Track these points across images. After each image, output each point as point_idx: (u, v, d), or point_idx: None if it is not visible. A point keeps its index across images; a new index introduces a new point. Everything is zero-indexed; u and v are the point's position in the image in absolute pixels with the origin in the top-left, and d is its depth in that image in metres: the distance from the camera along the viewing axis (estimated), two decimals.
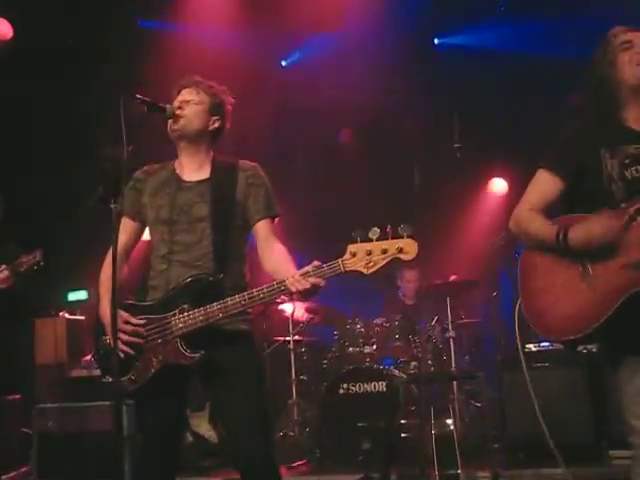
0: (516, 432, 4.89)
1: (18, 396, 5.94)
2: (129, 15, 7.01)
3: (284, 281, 2.75)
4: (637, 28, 2.77)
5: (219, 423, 5.47)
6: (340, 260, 2.69)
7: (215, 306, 2.80)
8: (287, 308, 6.36)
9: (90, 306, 7.32)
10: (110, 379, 2.91)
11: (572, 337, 2.60)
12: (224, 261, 2.97)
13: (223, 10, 6.86)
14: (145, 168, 3.22)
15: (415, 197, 7.88)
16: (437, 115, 7.54)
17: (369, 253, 2.66)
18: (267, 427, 2.99)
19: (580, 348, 4.89)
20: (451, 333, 5.92)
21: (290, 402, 6.31)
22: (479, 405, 5.69)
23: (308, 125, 7.45)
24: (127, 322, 2.91)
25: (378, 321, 6.17)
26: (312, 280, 2.70)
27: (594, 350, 4.72)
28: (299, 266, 2.83)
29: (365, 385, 5.64)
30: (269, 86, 7.41)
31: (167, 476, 3.05)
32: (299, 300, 2.80)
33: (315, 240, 6.80)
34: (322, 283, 2.71)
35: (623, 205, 2.61)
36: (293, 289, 2.72)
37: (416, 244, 2.65)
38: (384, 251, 2.66)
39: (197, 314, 2.82)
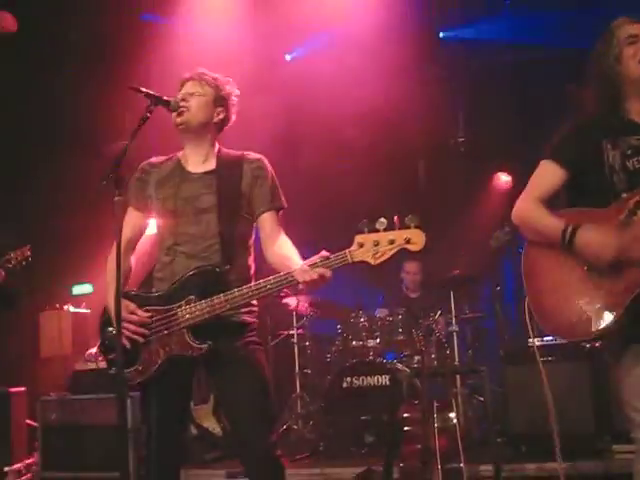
0: (519, 426, 4.89)
1: (23, 388, 5.95)
2: (132, 9, 7.00)
3: (291, 272, 2.76)
4: None
5: (223, 415, 5.49)
6: (347, 251, 2.70)
7: (222, 297, 2.82)
8: (291, 302, 6.37)
9: (95, 299, 7.36)
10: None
11: (583, 339, 2.61)
12: (230, 253, 2.98)
13: (227, 4, 6.85)
14: (151, 160, 3.23)
15: (419, 190, 7.90)
16: (442, 109, 7.54)
17: (376, 244, 2.67)
18: (270, 419, 2.99)
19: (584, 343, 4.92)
20: (454, 327, 5.93)
21: (294, 395, 6.34)
22: (482, 399, 5.70)
23: (313, 119, 7.45)
24: (133, 313, 2.93)
25: (381, 315, 6.18)
26: (320, 270, 2.71)
27: (597, 345, 4.73)
28: (305, 258, 2.84)
29: (368, 379, 5.66)
30: (273, 80, 7.40)
31: (172, 468, 3.06)
32: (306, 290, 2.81)
33: (321, 232, 6.81)
34: (329, 274, 2.72)
35: (624, 195, 2.61)
36: (300, 280, 2.73)
37: (424, 235, 2.66)
38: (391, 242, 2.67)
39: (204, 305, 2.83)
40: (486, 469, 4.66)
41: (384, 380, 5.61)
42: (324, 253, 2.74)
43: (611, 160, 2.67)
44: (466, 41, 7.54)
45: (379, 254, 2.67)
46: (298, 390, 6.35)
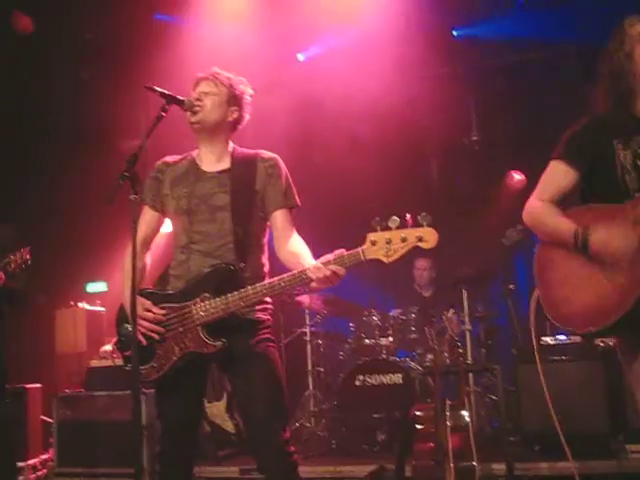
0: (532, 425, 4.88)
1: (38, 385, 6.01)
2: (146, 8, 7.03)
3: (305, 270, 2.78)
4: None
5: (237, 411, 5.53)
6: (360, 249, 2.72)
7: (236, 295, 2.84)
8: (304, 300, 6.38)
9: (109, 297, 7.41)
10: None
11: (592, 330, 2.60)
12: (244, 251, 3.00)
13: (240, 4, 6.86)
14: (166, 159, 3.26)
15: (432, 189, 7.90)
16: (455, 107, 7.52)
17: (389, 242, 2.68)
18: (284, 415, 3.02)
19: (597, 341, 4.90)
20: (467, 326, 5.92)
21: (306, 393, 6.35)
22: (495, 398, 5.69)
23: (326, 117, 7.45)
24: (148, 310, 2.96)
25: (394, 313, 6.19)
26: (333, 268, 2.72)
27: (611, 343, 4.72)
28: (319, 256, 2.85)
29: (381, 377, 5.67)
30: (286, 80, 7.42)
31: (185, 465, 3.10)
32: (319, 288, 2.82)
33: (334, 230, 6.82)
34: (342, 271, 2.74)
35: (637, 195, 2.61)
36: (314, 277, 2.75)
37: (436, 233, 2.67)
38: (404, 240, 2.68)
39: (218, 303, 2.86)
40: (499, 468, 4.66)
41: (397, 378, 5.62)
42: (338, 251, 2.75)
43: (622, 159, 2.66)
44: (480, 39, 7.51)
45: (392, 252, 2.68)
46: (311, 388, 6.35)
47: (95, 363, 6.20)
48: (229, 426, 5.83)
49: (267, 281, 2.87)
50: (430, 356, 5.80)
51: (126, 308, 3.00)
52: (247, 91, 3.22)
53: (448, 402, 4.46)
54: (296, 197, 3.18)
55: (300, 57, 7.82)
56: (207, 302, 2.88)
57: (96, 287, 7.82)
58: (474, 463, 4.17)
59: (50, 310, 7.29)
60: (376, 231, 2.70)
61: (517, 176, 7.69)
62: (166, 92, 2.94)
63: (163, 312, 2.96)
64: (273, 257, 3.15)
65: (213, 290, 2.88)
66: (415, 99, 7.23)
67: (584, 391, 4.80)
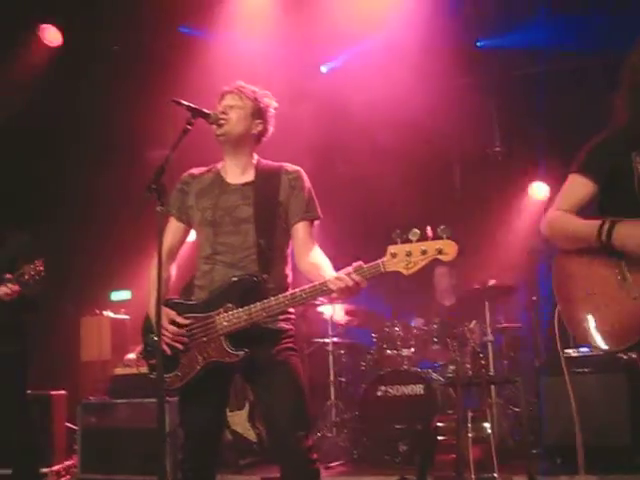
0: (554, 438, 4.86)
1: (63, 392, 6.08)
2: (170, 22, 7.12)
3: (326, 281, 2.81)
4: None
5: (259, 420, 5.56)
6: (381, 261, 2.74)
7: (258, 305, 2.88)
8: (326, 310, 6.40)
9: (133, 305, 7.49)
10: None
11: (617, 348, 2.60)
12: (267, 262, 3.04)
13: (262, 18, 6.91)
14: (192, 171, 3.31)
15: (455, 199, 7.89)
16: (479, 117, 7.53)
17: (409, 254, 2.70)
18: (306, 423, 3.03)
19: (620, 354, 4.87)
20: (489, 337, 5.91)
21: (328, 403, 6.36)
22: (517, 410, 5.67)
23: (349, 129, 7.49)
24: (173, 321, 3.00)
25: (416, 324, 6.19)
26: (354, 278, 2.75)
27: (634, 356, 4.68)
28: (338, 267, 2.88)
29: (403, 388, 5.67)
30: (309, 92, 7.47)
31: (207, 472, 3.13)
32: (340, 299, 2.85)
33: (356, 240, 6.85)
34: (363, 283, 2.76)
35: None
36: (335, 288, 2.77)
37: (456, 245, 2.68)
38: (424, 252, 2.70)
39: (241, 313, 2.90)
40: None
41: (418, 389, 5.61)
42: (357, 263, 2.78)
43: None
44: (503, 49, 7.51)
45: (411, 264, 2.71)
46: (333, 398, 6.36)
47: (119, 371, 6.25)
48: (251, 435, 5.86)
49: (289, 292, 2.90)
50: (452, 367, 5.79)
51: (151, 318, 3.04)
52: (271, 104, 3.27)
53: (470, 413, 4.47)
54: (318, 209, 3.21)
55: (323, 69, 7.86)
56: (230, 312, 2.91)
57: (120, 295, 7.90)
58: (495, 475, 4.18)
59: (75, 318, 7.39)
60: (396, 243, 2.72)
61: (540, 186, 7.66)
62: (192, 105, 2.98)
63: (187, 322, 2.99)
64: (293, 269, 3.19)
65: (236, 301, 2.92)
66: (438, 109, 7.24)
67: (607, 404, 4.76)
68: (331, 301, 6.25)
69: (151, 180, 2.74)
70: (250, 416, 5.87)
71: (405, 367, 5.86)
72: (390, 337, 6.16)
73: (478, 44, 7.66)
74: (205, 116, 3.04)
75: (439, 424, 4.66)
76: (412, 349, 6.05)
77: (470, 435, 4.32)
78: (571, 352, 5.14)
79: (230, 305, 2.92)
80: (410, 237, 2.71)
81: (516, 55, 7.40)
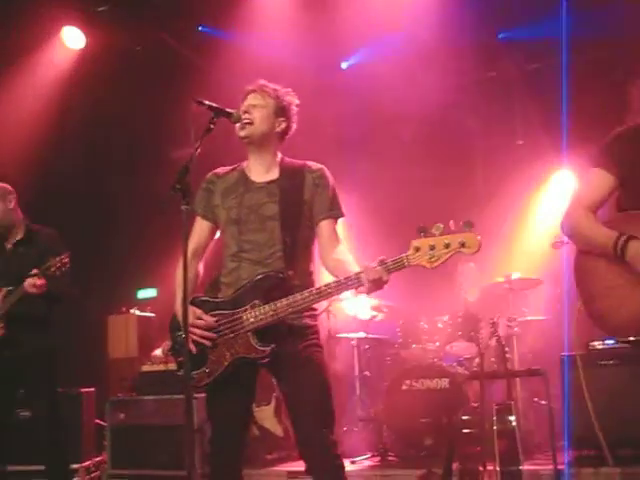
0: (580, 430, 4.84)
1: (92, 389, 6.16)
2: (191, 21, 7.17)
3: (350, 276, 2.84)
4: None
5: (286, 415, 5.60)
6: (404, 255, 2.76)
7: (284, 301, 2.91)
8: (352, 305, 6.42)
9: (159, 303, 7.57)
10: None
11: None
12: (293, 259, 3.07)
13: (282, 16, 6.92)
14: (217, 170, 3.35)
15: (479, 193, 7.87)
16: (501, 111, 7.50)
17: (432, 248, 2.72)
18: (331, 418, 3.06)
19: None
20: (515, 330, 5.90)
21: (354, 398, 6.38)
22: (543, 403, 5.66)
23: (370, 125, 7.50)
24: (200, 318, 3.04)
25: (441, 318, 6.19)
26: (380, 270, 2.77)
27: None
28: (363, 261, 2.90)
29: (428, 381, 5.68)
30: (330, 88, 7.47)
31: (234, 467, 3.16)
32: (365, 293, 2.86)
33: (378, 239, 6.85)
34: (386, 277, 2.78)
35: None
36: (370, 278, 2.78)
37: (479, 238, 2.69)
38: (447, 245, 2.72)
39: (267, 309, 2.93)
40: (546, 472, 4.64)
41: (444, 383, 5.63)
42: (381, 258, 2.80)
43: None
44: (524, 41, 7.46)
45: (435, 258, 2.72)
46: (358, 393, 6.39)
47: (146, 368, 6.31)
48: (278, 430, 5.91)
49: (314, 288, 2.93)
50: (477, 361, 5.79)
51: (178, 316, 3.08)
52: (294, 102, 3.30)
53: (495, 406, 4.47)
54: (342, 207, 3.24)
55: (343, 65, 7.86)
56: (257, 309, 2.95)
57: (146, 293, 7.99)
58: (520, 467, 4.18)
59: (103, 316, 7.48)
60: (420, 237, 2.74)
61: (565, 179, 7.62)
62: (214, 105, 3.01)
63: (214, 320, 3.04)
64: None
65: (263, 297, 2.95)
66: (460, 104, 7.24)
67: (633, 395, 4.74)
68: (357, 291, 6.27)
69: (175, 179, 2.78)
70: (277, 411, 5.92)
71: (430, 361, 5.88)
72: (415, 331, 6.17)
73: (499, 36, 7.61)
74: (227, 115, 3.06)
75: (464, 417, 4.66)
76: (437, 343, 6.06)
77: (495, 428, 4.31)
78: (597, 344, 5.12)
79: (256, 302, 2.96)
80: (433, 231, 2.73)
81: (537, 46, 7.36)
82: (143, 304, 7.69)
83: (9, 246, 4.71)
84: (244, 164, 3.31)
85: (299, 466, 4.55)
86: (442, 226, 2.73)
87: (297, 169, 3.24)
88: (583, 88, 6.97)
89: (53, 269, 4.26)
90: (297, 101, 3.32)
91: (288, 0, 6.88)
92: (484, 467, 4.40)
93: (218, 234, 3.35)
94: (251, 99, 3.22)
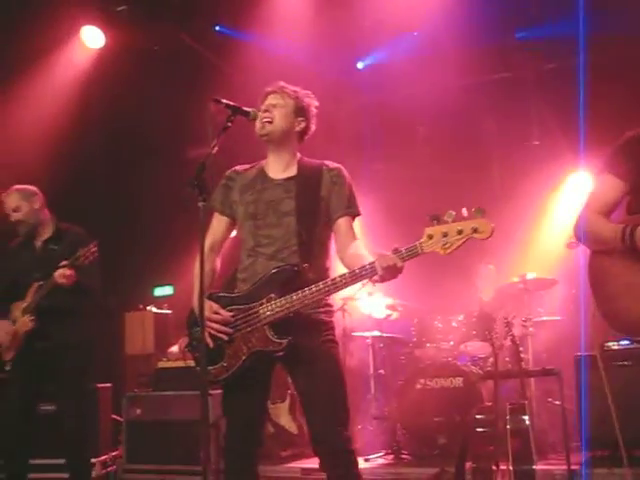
0: (594, 431, 4.84)
1: (109, 385, 6.21)
2: (207, 20, 7.21)
3: (365, 266, 2.87)
4: None
5: (301, 412, 5.64)
6: (418, 242, 2.80)
7: (300, 294, 2.94)
8: (367, 304, 6.45)
9: (176, 301, 7.62)
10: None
11: None
12: (308, 254, 3.10)
13: (298, 16, 6.94)
14: (236, 168, 3.40)
15: (495, 193, 7.86)
16: (518, 111, 7.49)
17: (445, 235, 2.75)
18: (345, 414, 3.08)
19: None
20: (529, 330, 5.90)
21: (368, 396, 6.41)
22: (557, 403, 5.66)
23: (386, 123, 7.52)
24: (216, 313, 3.08)
25: (456, 317, 6.20)
26: (392, 257, 2.80)
27: None
28: None
29: (442, 380, 5.70)
30: (346, 89, 7.50)
31: (250, 462, 3.18)
32: (379, 282, 2.88)
33: (395, 238, 6.85)
34: (400, 264, 2.80)
35: None
36: (384, 265, 2.80)
37: (491, 224, 2.72)
38: (459, 232, 2.74)
39: (283, 302, 2.96)
40: (559, 472, 4.64)
41: (458, 382, 5.64)
42: (395, 247, 2.83)
43: None
44: (541, 40, 7.44)
45: (448, 245, 2.75)
46: (372, 391, 6.42)
47: (162, 364, 6.37)
48: (292, 427, 5.95)
49: (329, 279, 2.95)
50: (491, 360, 5.79)
51: (196, 311, 3.10)
52: (313, 103, 3.35)
53: (508, 406, 4.47)
54: (359, 206, 3.28)
55: (359, 65, 7.87)
56: (273, 302, 2.98)
57: (163, 291, 8.04)
58: (534, 467, 4.18)
59: (120, 313, 7.54)
60: (433, 225, 2.77)
61: (581, 180, 7.60)
62: (231, 104, 3.05)
63: (231, 314, 3.07)
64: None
65: (278, 291, 2.99)
66: (477, 103, 7.23)
67: None
68: (371, 293, 6.29)
69: (193, 176, 2.82)
70: (291, 408, 5.96)
71: (444, 360, 5.89)
72: (429, 330, 6.19)
73: (517, 35, 7.60)
74: (245, 114, 3.10)
75: (478, 416, 4.66)
76: (451, 342, 6.07)
77: (508, 427, 4.32)
78: (612, 345, 5.11)
79: (272, 295, 2.99)
80: (446, 218, 2.76)
81: (554, 46, 7.34)
82: (160, 301, 7.75)
83: (39, 244, 4.78)
84: (263, 162, 3.36)
85: (313, 463, 4.57)
86: (454, 213, 2.76)
87: (315, 167, 3.29)
88: (600, 88, 6.95)
89: (82, 259, 4.33)
90: (316, 103, 3.37)
91: (304, 1, 6.91)
92: (497, 466, 4.40)
93: (234, 232, 3.40)
94: (271, 99, 3.27)
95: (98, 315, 5.00)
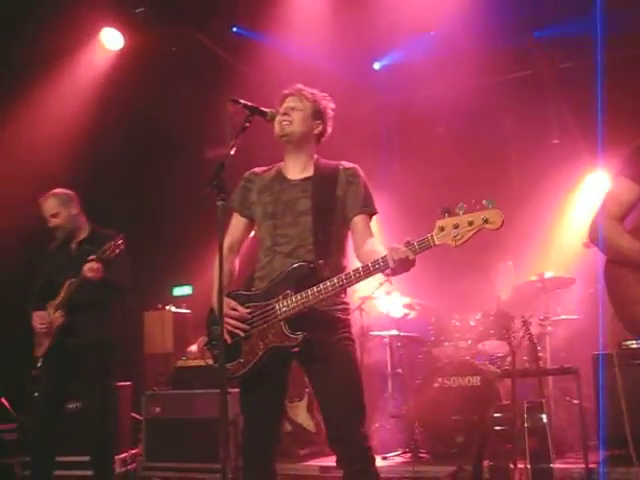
0: (612, 430, 4.82)
1: (129, 383, 6.28)
2: (225, 22, 7.26)
3: (377, 260, 2.89)
4: None
5: (319, 411, 5.67)
6: (429, 235, 2.82)
7: (315, 289, 2.97)
8: (384, 303, 6.46)
9: (195, 300, 7.67)
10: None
11: None
12: (324, 252, 3.14)
13: (314, 18, 6.96)
14: (254, 170, 3.45)
15: (513, 193, 7.85)
16: (535, 110, 7.47)
17: (456, 226, 2.77)
18: (362, 410, 3.11)
19: None
20: (547, 328, 5.89)
21: (386, 395, 6.43)
22: (575, 401, 5.64)
23: (404, 124, 7.52)
24: (234, 309, 3.12)
25: (473, 316, 6.20)
26: (404, 249, 2.82)
27: None
28: None
29: (460, 379, 5.70)
30: (362, 89, 7.51)
31: (268, 459, 3.21)
32: (392, 275, 2.90)
33: (411, 236, 6.85)
34: (412, 256, 2.82)
35: None
36: (395, 258, 2.81)
37: (501, 214, 2.73)
38: (470, 223, 2.76)
39: (299, 298, 2.99)
40: (577, 471, 4.64)
41: (475, 381, 5.64)
42: (407, 239, 2.85)
43: None
44: (560, 39, 7.42)
45: (459, 236, 2.77)
46: (390, 390, 6.43)
47: (181, 363, 6.43)
48: (310, 426, 5.98)
49: (343, 274, 2.97)
50: (509, 359, 5.78)
51: (215, 309, 3.14)
52: (330, 106, 3.39)
53: (526, 404, 4.47)
54: (375, 205, 3.31)
55: (376, 66, 7.88)
56: (289, 298, 3.02)
57: (182, 290, 8.10)
58: (551, 465, 4.18)
59: (140, 312, 7.60)
60: (444, 218, 2.79)
61: (599, 179, 7.57)
62: (249, 104, 3.10)
63: (248, 311, 3.11)
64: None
65: (294, 287, 3.02)
66: (495, 103, 7.22)
67: None
68: (389, 292, 6.31)
69: (212, 176, 2.86)
70: (309, 407, 5.99)
71: (462, 359, 5.89)
72: (447, 329, 6.19)
73: (535, 35, 7.57)
74: (262, 114, 3.14)
75: (495, 414, 4.67)
76: (469, 341, 6.07)
77: (526, 425, 4.32)
78: (630, 344, 5.09)
79: (289, 292, 3.02)
80: (457, 211, 2.78)
81: (572, 44, 7.31)
82: (179, 301, 7.81)
83: (74, 245, 4.87)
84: (281, 164, 3.40)
85: (331, 461, 4.59)
86: (465, 205, 2.78)
87: (331, 167, 3.33)
88: (619, 87, 6.92)
89: (108, 252, 4.41)
90: (333, 105, 3.41)
91: (320, 2, 6.93)
92: (515, 465, 4.40)
93: (252, 233, 3.44)
94: (289, 102, 3.31)
95: (126, 314, 5.07)
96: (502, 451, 4.51)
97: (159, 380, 6.70)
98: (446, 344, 6.16)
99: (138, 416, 6.30)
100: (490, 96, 7.17)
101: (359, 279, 2.95)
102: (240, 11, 7.07)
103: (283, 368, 3.19)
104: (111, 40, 7.05)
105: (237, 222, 3.39)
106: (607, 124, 7.19)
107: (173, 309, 7.56)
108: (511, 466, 4.42)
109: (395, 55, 7.69)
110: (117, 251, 4.43)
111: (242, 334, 3.10)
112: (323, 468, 5.43)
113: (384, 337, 6.55)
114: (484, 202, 2.75)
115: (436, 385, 5.78)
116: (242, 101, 3.09)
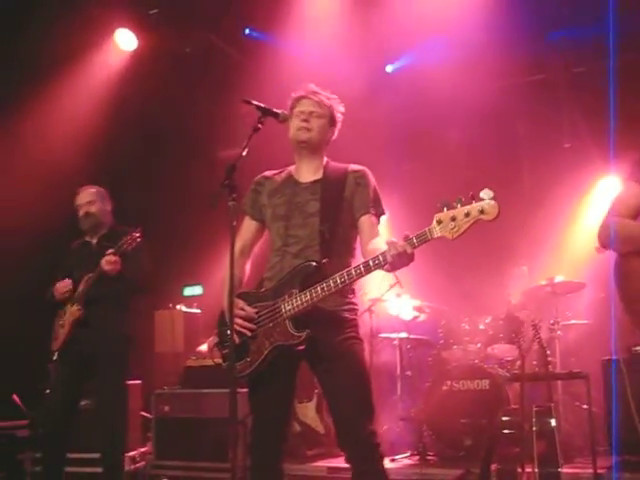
0: (621, 435, 4.81)
1: (139, 382, 6.30)
2: (238, 23, 7.29)
3: (376, 256, 2.91)
4: None
5: (328, 411, 5.68)
6: (427, 228, 2.84)
7: (318, 287, 2.99)
8: (394, 305, 6.47)
9: (205, 300, 7.70)
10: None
11: None
12: (330, 252, 3.15)
13: (327, 20, 6.97)
14: (265, 173, 3.48)
15: (525, 197, 7.83)
16: (549, 114, 7.46)
17: (453, 219, 2.79)
18: (370, 408, 3.12)
19: None
20: (557, 333, 5.88)
21: (395, 397, 6.43)
22: (585, 406, 5.63)
23: (419, 127, 7.52)
24: (242, 309, 3.14)
25: (483, 320, 6.19)
26: (401, 244, 2.83)
27: None
28: None
29: (469, 382, 5.70)
30: (375, 92, 7.51)
31: (275, 460, 3.22)
32: (391, 270, 2.92)
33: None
34: (410, 250, 2.84)
35: None
36: (393, 252, 2.83)
37: (497, 205, 2.74)
38: (467, 214, 2.78)
39: (303, 296, 3.02)
40: (585, 475, 4.63)
41: (484, 384, 5.64)
42: (405, 234, 2.87)
43: None
44: (573, 42, 7.40)
45: (456, 228, 2.78)
46: (399, 392, 6.44)
47: (191, 362, 6.45)
48: (319, 426, 5.99)
49: (345, 270, 2.99)
50: (518, 363, 5.78)
51: (225, 311, 3.17)
52: (341, 110, 3.41)
53: (535, 408, 4.47)
54: (383, 206, 3.32)
55: (389, 68, 7.88)
56: (294, 297, 3.05)
57: (193, 290, 8.13)
58: (560, 469, 4.18)
59: (150, 312, 7.63)
60: (442, 211, 2.81)
61: (611, 184, 7.54)
62: (262, 105, 3.12)
63: (255, 310, 3.14)
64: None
65: (300, 286, 3.05)
66: (507, 106, 7.21)
67: None
68: (398, 295, 6.31)
69: (224, 177, 2.88)
70: (318, 408, 6.00)
71: (471, 362, 5.89)
72: (457, 332, 6.20)
73: (548, 38, 7.55)
74: (275, 115, 3.16)
75: (504, 418, 4.67)
76: (478, 345, 6.07)
77: (534, 429, 4.32)
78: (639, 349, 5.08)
79: (294, 291, 3.05)
80: (454, 204, 2.80)
81: (585, 48, 7.29)
82: (189, 301, 7.83)
83: (94, 241, 4.95)
84: (291, 168, 3.43)
85: (339, 462, 4.62)
86: (462, 198, 2.80)
87: (340, 170, 3.35)
88: (631, 92, 6.90)
89: (125, 245, 4.46)
90: (342, 109, 3.42)
91: (332, 4, 6.94)
92: (523, 468, 4.40)
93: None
94: (307, 105, 3.31)
95: (142, 311, 5.11)
96: (510, 455, 4.51)
97: (169, 379, 6.73)
98: (455, 347, 6.16)
99: (148, 415, 6.32)
100: (503, 100, 7.15)
101: (360, 275, 2.97)
102: (253, 13, 7.09)
103: (292, 368, 3.21)
104: (125, 41, 7.10)
105: (248, 225, 3.42)
106: (619, 129, 7.17)
107: (184, 309, 7.59)
108: (519, 470, 4.42)
109: (408, 58, 7.69)
110: (134, 244, 4.48)
111: (249, 333, 3.12)
112: (331, 469, 5.44)
113: (394, 339, 6.55)
114: (481, 194, 2.76)
115: (445, 388, 5.78)
116: (255, 102, 3.11)
